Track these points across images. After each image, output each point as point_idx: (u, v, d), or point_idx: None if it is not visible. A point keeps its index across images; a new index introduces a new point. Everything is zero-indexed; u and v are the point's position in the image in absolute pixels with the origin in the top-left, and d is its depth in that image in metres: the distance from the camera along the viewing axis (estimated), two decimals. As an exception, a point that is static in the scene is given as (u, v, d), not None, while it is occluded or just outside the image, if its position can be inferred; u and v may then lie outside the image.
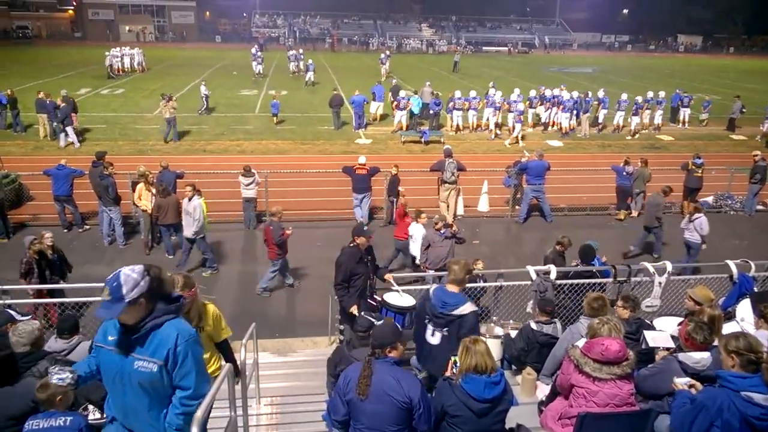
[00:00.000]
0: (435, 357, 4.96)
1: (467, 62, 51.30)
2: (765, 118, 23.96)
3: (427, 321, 5.06)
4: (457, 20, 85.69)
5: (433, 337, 5.03)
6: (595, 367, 3.89)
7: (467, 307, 4.85)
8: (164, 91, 22.76)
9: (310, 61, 36.18)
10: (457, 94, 23.35)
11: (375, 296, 7.09)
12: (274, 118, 23.69)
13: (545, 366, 5.56)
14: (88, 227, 12.83)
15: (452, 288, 4.98)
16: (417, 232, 10.21)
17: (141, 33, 71.57)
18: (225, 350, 4.87)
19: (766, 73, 53.02)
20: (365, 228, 7.11)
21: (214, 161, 18.06)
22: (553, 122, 24.27)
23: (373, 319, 5.41)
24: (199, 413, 3.18)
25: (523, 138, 22.31)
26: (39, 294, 8.57)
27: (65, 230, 12.64)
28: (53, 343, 5.18)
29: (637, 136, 23.54)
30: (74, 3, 75.89)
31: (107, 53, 36.57)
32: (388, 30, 79.60)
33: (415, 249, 10.25)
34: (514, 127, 22.07)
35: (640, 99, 23.83)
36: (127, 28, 71.96)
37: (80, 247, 12.19)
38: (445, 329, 4.91)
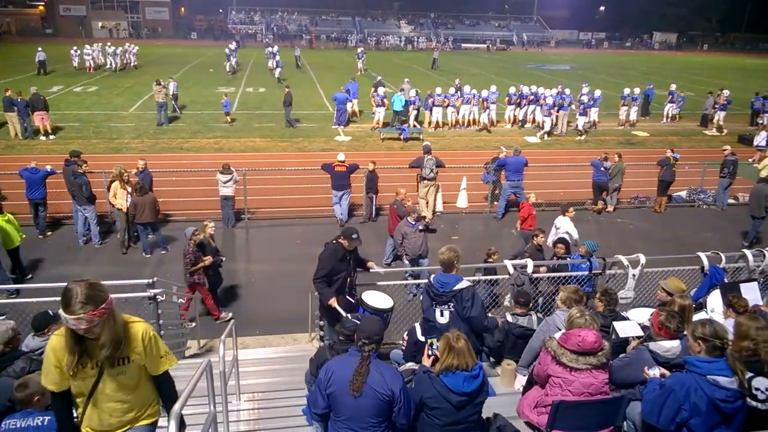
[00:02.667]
0: None
1: (446, 59, 51.49)
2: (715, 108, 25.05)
3: (434, 305, 5.59)
4: (436, 17, 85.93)
5: (442, 317, 5.53)
6: (572, 357, 3.98)
7: (463, 283, 5.51)
8: (138, 89, 22.50)
9: (277, 58, 36.37)
10: (437, 90, 23.48)
11: (354, 294, 7.10)
12: (227, 117, 23.30)
13: (522, 357, 5.64)
14: (50, 233, 12.54)
15: (446, 271, 5.60)
16: (565, 224, 10.52)
17: (114, 29, 70.41)
18: (165, 386, 3.65)
19: (738, 70, 54.16)
20: (354, 237, 6.94)
21: (191, 159, 17.90)
22: (533, 119, 24.45)
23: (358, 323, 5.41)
24: (177, 407, 3.19)
25: (550, 134, 22.81)
26: (195, 285, 9.08)
27: (40, 235, 12.40)
28: (30, 342, 5.13)
29: (583, 137, 23.06)
30: (45, -1, 74.47)
31: (75, 49, 36.33)
32: (366, 27, 79.50)
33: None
34: (544, 122, 22.79)
35: (585, 98, 23.48)
36: (99, 24, 70.74)
37: (55, 247, 12.02)
38: (451, 305, 5.48)
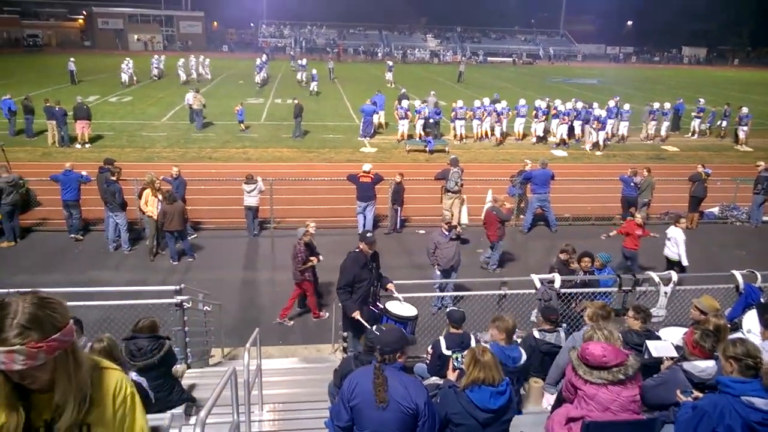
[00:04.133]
0: None
1: (472, 72, 51.46)
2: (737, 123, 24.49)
3: None
4: (462, 31, 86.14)
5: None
6: (586, 370, 3.90)
7: (524, 356, 5.23)
8: (170, 99, 23.00)
9: (314, 71, 36.29)
10: (459, 103, 23.47)
11: (378, 303, 7.07)
12: (241, 125, 23.73)
13: (549, 375, 5.54)
14: (81, 238, 12.78)
15: (503, 341, 5.25)
16: (677, 235, 10.62)
17: (149, 42, 72.13)
18: None
19: (771, 85, 53.00)
20: (368, 235, 7.09)
21: (220, 168, 18.14)
22: (552, 133, 24.28)
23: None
24: (202, 414, 3.19)
25: (597, 146, 22.78)
26: (304, 282, 9.53)
27: (71, 235, 12.68)
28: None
29: (598, 152, 22.72)
30: (84, 12, 76.60)
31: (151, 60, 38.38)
32: (393, 40, 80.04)
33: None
34: (596, 135, 22.82)
35: (602, 113, 23.17)
36: (135, 37, 72.58)
37: (86, 251, 12.26)
38: (514, 378, 5.07)
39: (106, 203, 12.11)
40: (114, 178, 11.98)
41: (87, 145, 20.38)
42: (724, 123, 25.90)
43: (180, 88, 34.08)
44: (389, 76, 42.03)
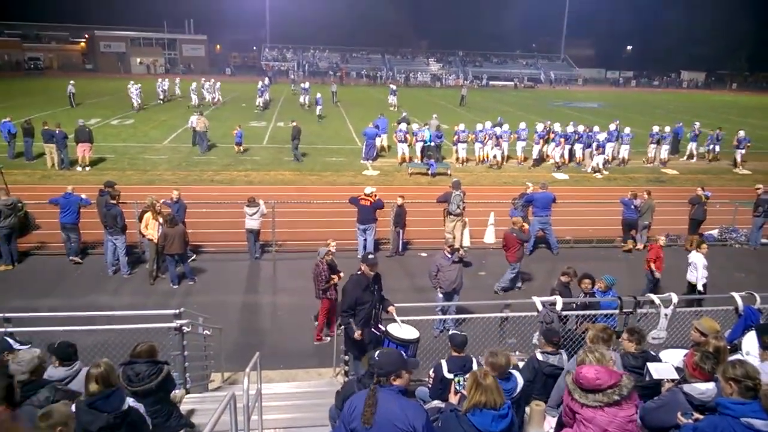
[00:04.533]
0: None
1: (474, 96, 51.91)
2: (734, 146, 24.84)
3: None
4: (464, 55, 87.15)
5: None
6: (581, 394, 3.89)
7: (520, 383, 5.09)
8: (173, 122, 23.23)
9: (318, 95, 36.51)
10: (461, 126, 23.68)
11: (380, 326, 7.05)
12: (239, 148, 23.94)
13: (551, 397, 5.49)
14: (80, 261, 12.76)
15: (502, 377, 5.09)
16: (697, 260, 10.73)
17: (152, 65, 72.97)
18: None
19: (767, 109, 53.40)
20: (370, 257, 7.10)
21: (222, 191, 18.21)
22: (549, 155, 24.44)
23: None
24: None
25: (598, 169, 22.95)
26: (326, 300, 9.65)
27: (70, 258, 12.68)
28: (53, 371, 5.11)
29: (598, 174, 22.77)
30: (86, 35, 77.65)
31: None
32: (396, 64, 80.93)
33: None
34: (594, 158, 23.12)
35: (601, 136, 23.33)
36: (138, 60, 73.44)
37: (84, 275, 12.24)
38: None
39: (105, 226, 12.12)
40: (114, 202, 12.02)
41: (88, 168, 20.52)
42: (717, 147, 25.98)
43: (184, 111, 34.39)
44: (393, 99, 42.38)
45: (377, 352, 4.99)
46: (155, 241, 11.72)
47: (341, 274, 9.70)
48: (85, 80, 55.26)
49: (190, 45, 78.28)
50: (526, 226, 12.02)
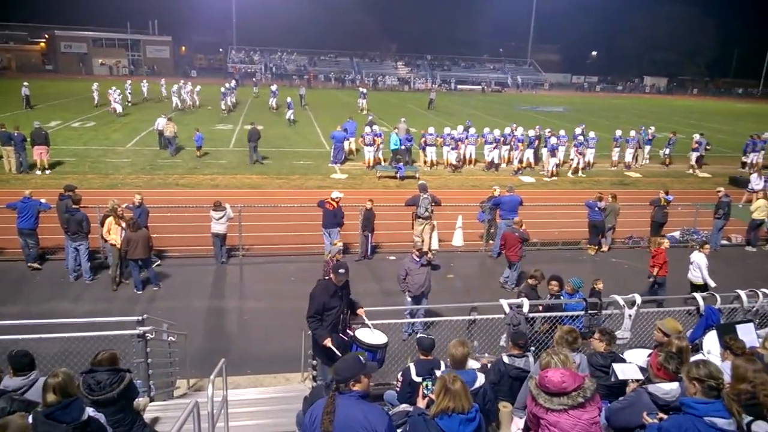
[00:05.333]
0: None
1: (442, 100, 52.26)
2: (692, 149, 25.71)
3: None
4: (432, 59, 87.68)
5: None
6: (546, 398, 3.91)
7: (480, 378, 5.22)
8: (135, 125, 22.79)
9: (289, 99, 35.80)
10: (430, 130, 23.79)
11: (348, 330, 6.99)
12: (198, 151, 23.64)
13: (518, 399, 5.52)
14: (39, 267, 12.38)
15: (459, 368, 5.24)
16: (700, 260, 11.20)
17: (114, 66, 71.39)
18: None
19: (727, 114, 55.16)
20: (341, 271, 6.92)
21: (187, 195, 17.90)
22: (508, 159, 24.78)
23: None
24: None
25: (579, 170, 23.77)
26: None
27: (29, 264, 12.29)
28: (9, 382, 4.95)
29: (555, 177, 23.26)
30: (46, 35, 75.55)
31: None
32: (364, 67, 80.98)
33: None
34: (573, 159, 24.00)
35: (554, 140, 23.68)
36: (99, 61, 71.75)
37: (44, 282, 11.87)
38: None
39: (66, 231, 11.78)
40: (76, 206, 11.70)
41: (47, 172, 19.95)
42: (667, 150, 26.61)
43: (146, 114, 33.72)
44: (363, 103, 42.28)
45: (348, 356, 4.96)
46: (118, 246, 11.44)
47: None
48: (45, 81, 53.81)
49: (154, 46, 76.75)
50: (523, 227, 12.33)
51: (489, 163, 24.28)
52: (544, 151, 24.25)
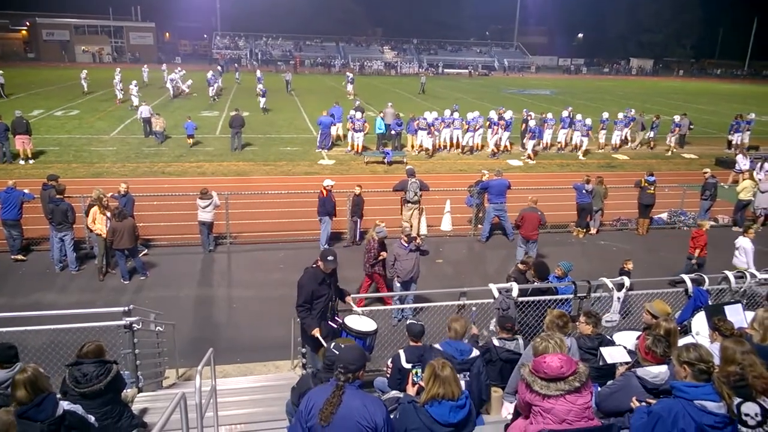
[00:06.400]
0: None
1: (429, 84, 51.98)
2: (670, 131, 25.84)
3: None
4: (419, 43, 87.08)
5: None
6: (542, 384, 3.89)
7: (475, 351, 5.45)
8: (120, 113, 22.45)
9: (261, 86, 34.20)
10: (426, 114, 23.68)
11: (336, 318, 6.97)
12: (190, 140, 23.28)
13: (509, 383, 5.54)
14: (24, 258, 12.21)
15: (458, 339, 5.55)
16: (745, 244, 10.85)
17: (97, 54, 70.27)
18: None
19: (712, 95, 55.44)
20: (329, 258, 6.88)
21: (173, 183, 17.71)
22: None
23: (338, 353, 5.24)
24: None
25: (586, 153, 24.04)
26: (375, 275, 10.64)
27: (12, 256, 12.12)
28: (-7, 374, 4.88)
29: (530, 161, 23.18)
30: (28, 23, 74.08)
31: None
32: (350, 52, 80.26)
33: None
34: (581, 142, 24.23)
35: (532, 123, 23.92)
36: (82, 48, 70.56)
37: (29, 273, 11.72)
38: (467, 374, 5.30)
39: (51, 222, 11.61)
40: (61, 196, 11.52)
41: (30, 161, 19.64)
42: (652, 134, 26.60)
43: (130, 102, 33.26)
44: (350, 88, 41.95)
45: (333, 345, 4.91)
46: (104, 235, 11.29)
47: (385, 253, 10.37)
48: (27, 70, 52.88)
49: (137, 33, 75.49)
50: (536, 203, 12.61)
51: (492, 150, 24.14)
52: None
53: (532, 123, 23.66)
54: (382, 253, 10.39)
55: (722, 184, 17.75)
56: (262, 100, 32.98)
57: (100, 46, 71.94)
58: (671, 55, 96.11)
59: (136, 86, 32.06)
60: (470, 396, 4.41)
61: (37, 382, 4.13)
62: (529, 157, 23.23)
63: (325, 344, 6.32)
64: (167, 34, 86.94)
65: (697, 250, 11.45)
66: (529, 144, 23.44)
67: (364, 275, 10.68)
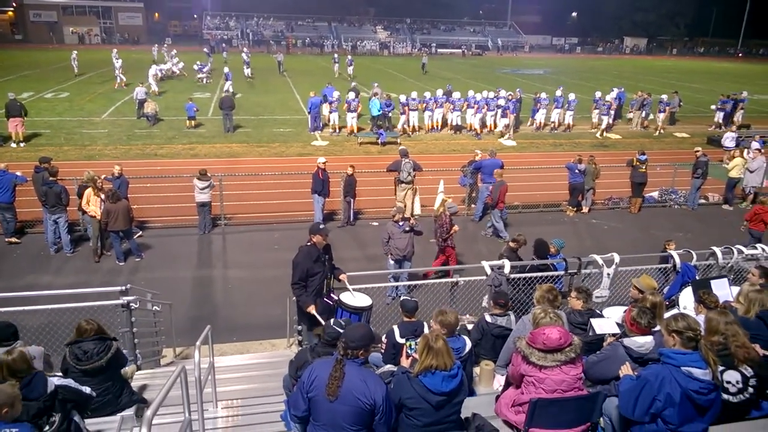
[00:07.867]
0: None
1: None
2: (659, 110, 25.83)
3: None
4: (412, 23, 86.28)
5: None
6: (540, 356, 4.01)
7: (468, 344, 5.26)
8: (111, 95, 22.26)
9: (226, 70, 32.03)
10: (413, 95, 23.61)
11: (332, 295, 7.08)
12: (191, 122, 23.11)
13: (500, 357, 5.67)
14: (18, 241, 12.22)
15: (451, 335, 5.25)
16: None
17: (86, 35, 69.33)
18: None
19: (705, 73, 55.43)
20: (321, 227, 7.05)
21: (166, 165, 17.68)
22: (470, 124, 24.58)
23: (341, 330, 5.29)
24: (149, 413, 3.14)
25: (608, 129, 24.69)
26: (447, 248, 10.90)
27: (7, 238, 12.14)
28: (-7, 352, 4.96)
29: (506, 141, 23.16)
30: (14, 4, 72.86)
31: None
32: (342, 32, 79.47)
33: None
34: (601, 121, 24.55)
35: (502, 101, 23.97)
36: (71, 29, 69.55)
37: (24, 255, 11.75)
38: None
39: (44, 204, 11.61)
40: (54, 179, 11.50)
41: (22, 144, 19.52)
42: (643, 113, 26.58)
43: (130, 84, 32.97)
44: (350, 70, 40.74)
45: (334, 323, 5.01)
46: (98, 217, 11.31)
47: (457, 227, 10.78)
48: (14, 52, 52.16)
49: (126, 13, 74.38)
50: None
51: (454, 126, 24.20)
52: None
53: (502, 102, 23.87)
54: (454, 227, 10.68)
55: (724, 164, 17.78)
56: (228, 84, 30.69)
57: (89, 27, 70.87)
58: (665, 33, 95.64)
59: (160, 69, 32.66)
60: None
61: (22, 364, 4.23)
62: (502, 134, 23.37)
63: (321, 321, 6.44)
64: (156, 14, 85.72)
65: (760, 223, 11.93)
66: (502, 121, 23.59)
67: (443, 248, 10.86)
